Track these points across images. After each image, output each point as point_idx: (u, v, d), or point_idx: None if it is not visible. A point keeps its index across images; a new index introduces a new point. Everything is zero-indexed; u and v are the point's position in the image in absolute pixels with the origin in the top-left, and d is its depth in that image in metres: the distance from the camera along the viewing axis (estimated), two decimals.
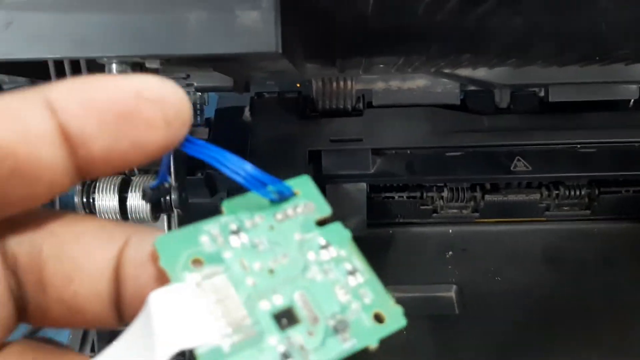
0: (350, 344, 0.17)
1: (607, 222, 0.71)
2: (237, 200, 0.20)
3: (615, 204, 0.69)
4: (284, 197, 0.20)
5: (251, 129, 0.71)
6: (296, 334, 0.17)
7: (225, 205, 0.20)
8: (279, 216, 0.19)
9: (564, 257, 0.68)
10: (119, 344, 0.17)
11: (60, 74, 0.44)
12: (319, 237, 0.19)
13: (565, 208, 0.71)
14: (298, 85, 0.79)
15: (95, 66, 0.44)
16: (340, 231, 0.20)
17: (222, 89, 0.69)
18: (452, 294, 0.66)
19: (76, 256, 0.18)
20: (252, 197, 0.20)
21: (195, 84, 0.71)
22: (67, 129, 0.16)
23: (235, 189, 0.70)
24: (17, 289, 0.18)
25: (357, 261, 0.19)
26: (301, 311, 0.17)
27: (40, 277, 0.18)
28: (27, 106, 0.16)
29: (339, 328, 0.17)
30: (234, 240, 0.18)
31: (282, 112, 0.72)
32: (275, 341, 0.17)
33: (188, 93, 0.78)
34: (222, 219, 0.19)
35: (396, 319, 0.18)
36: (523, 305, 0.64)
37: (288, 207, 0.20)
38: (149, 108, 0.17)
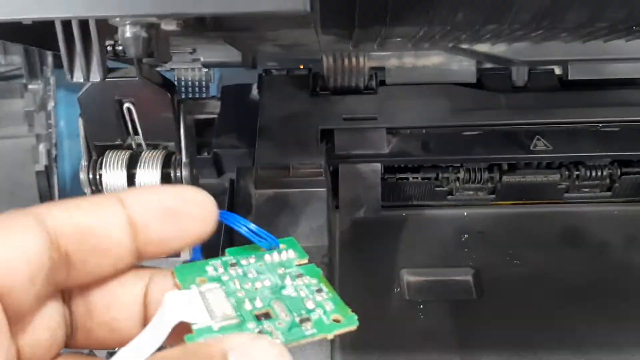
0: (310, 332, 0.23)
1: (628, 205, 0.69)
2: (238, 249, 0.27)
3: (638, 185, 0.67)
4: (273, 247, 0.27)
5: (260, 106, 0.68)
6: (269, 323, 0.24)
7: (228, 250, 0.27)
8: (267, 257, 0.27)
9: (584, 240, 0.66)
10: (141, 336, 0.23)
11: (69, 39, 0.41)
12: (296, 270, 0.26)
13: (586, 190, 0.68)
14: (301, 67, 0.76)
15: (106, 30, 0.41)
16: (313, 268, 0.27)
17: (230, 64, 0.67)
18: (469, 277, 0.63)
19: (115, 290, 0.25)
20: (250, 247, 0.27)
21: (202, 59, 0.68)
22: (133, 219, 0.24)
23: (243, 169, 0.67)
24: (68, 317, 0.24)
25: (325, 286, 0.26)
26: (275, 312, 0.24)
27: (88, 307, 0.25)
28: (106, 201, 0.24)
29: (303, 321, 0.24)
30: (231, 270, 0.26)
31: (292, 89, 0.70)
32: (252, 326, 0.23)
33: (193, 69, 0.75)
34: (225, 258, 0.27)
35: (351, 321, 0.24)
36: (542, 289, 0.62)
37: (275, 253, 0.27)
38: (191, 208, 0.24)
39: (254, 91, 0.71)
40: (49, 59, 1.02)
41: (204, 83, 0.76)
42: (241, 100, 0.71)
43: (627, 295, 0.61)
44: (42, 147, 0.95)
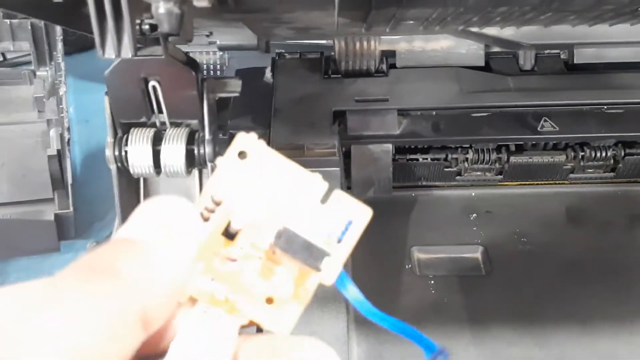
0: None
1: (631, 185, 0.71)
2: None
3: None
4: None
5: (274, 89, 0.70)
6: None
7: None
8: None
9: (588, 219, 0.68)
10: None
11: (100, 16, 0.42)
12: None
13: (590, 170, 0.70)
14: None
15: (136, 7, 0.43)
16: None
17: (245, 47, 0.68)
18: (478, 254, 0.65)
19: None
20: None
21: (218, 42, 0.69)
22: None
23: None
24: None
25: None
26: None
27: None
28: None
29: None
30: None
31: (305, 72, 0.71)
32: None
33: (208, 53, 0.77)
34: None
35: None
36: (549, 266, 0.64)
37: None
38: None
39: (267, 74, 0.73)
40: (59, 45, 1.03)
41: (218, 66, 0.77)
42: (255, 83, 0.72)
43: (629, 271, 0.63)
44: (53, 132, 0.96)
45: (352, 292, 0.23)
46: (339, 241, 0.22)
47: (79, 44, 1.19)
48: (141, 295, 0.19)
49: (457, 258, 0.65)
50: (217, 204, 0.23)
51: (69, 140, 0.97)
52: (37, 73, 1.04)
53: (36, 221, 0.91)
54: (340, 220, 0.23)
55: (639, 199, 0.70)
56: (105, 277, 0.19)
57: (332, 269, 0.22)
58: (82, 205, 0.97)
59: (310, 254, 0.22)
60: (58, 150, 0.93)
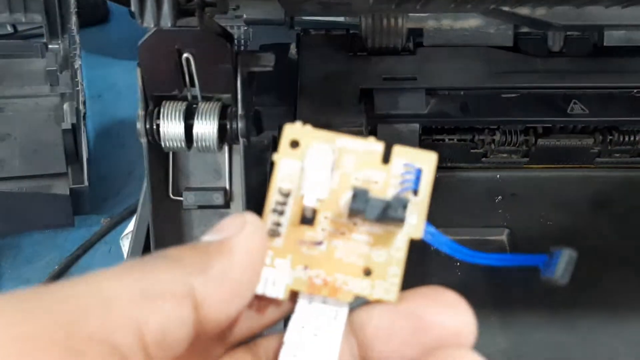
0: None
1: None
2: None
3: None
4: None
5: (299, 66, 0.69)
6: None
7: None
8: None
9: (616, 203, 0.68)
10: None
11: None
12: None
13: (617, 155, 0.70)
14: None
15: None
16: None
17: (272, 22, 0.67)
18: (503, 237, 0.65)
19: None
20: None
21: (245, 16, 0.68)
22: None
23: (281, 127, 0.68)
24: None
25: None
26: None
27: None
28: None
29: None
30: None
31: (331, 49, 0.70)
32: None
33: (232, 27, 0.75)
34: None
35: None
36: (575, 249, 0.64)
37: None
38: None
39: (292, 50, 0.72)
40: (73, 18, 1.02)
41: (242, 41, 0.76)
42: (279, 59, 0.71)
43: None
44: (67, 106, 0.95)
45: (443, 241, 0.23)
46: (415, 192, 0.22)
47: (88, 17, 1.18)
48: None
49: (482, 240, 0.65)
50: (287, 195, 0.23)
51: (84, 114, 0.96)
52: (50, 46, 1.02)
53: (51, 195, 0.90)
54: (408, 172, 0.23)
55: None
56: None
57: (417, 221, 0.22)
58: (95, 181, 0.97)
59: (391, 209, 0.22)
60: (73, 124, 0.92)
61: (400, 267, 0.23)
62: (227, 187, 0.55)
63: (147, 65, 0.50)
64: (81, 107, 0.95)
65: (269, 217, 0.23)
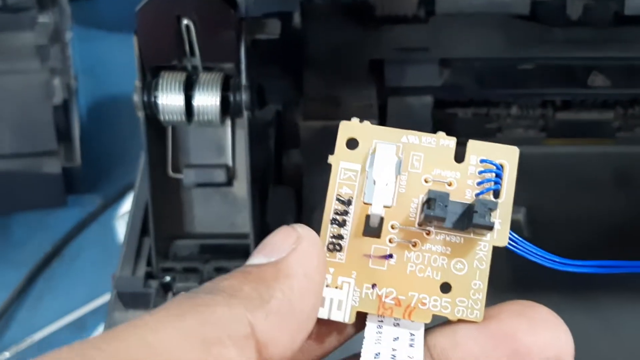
0: None
1: None
2: None
3: None
4: None
5: (304, 36, 0.65)
6: None
7: None
8: None
9: (637, 181, 0.64)
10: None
11: None
12: None
13: (639, 129, 0.66)
14: None
15: None
16: None
17: None
18: (520, 216, 0.62)
19: None
20: None
21: None
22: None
23: (290, 100, 0.64)
24: None
25: None
26: None
27: None
28: None
29: None
30: None
31: (337, 18, 0.66)
32: None
33: None
34: None
35: None
36: (595, 228, 0.61)
37: None
38: None
39: (297, 19, 0.68)
40: None
41: (245, 8, 0.72)
42: (282, 29, 0.67)
43: None
44: (57, 81, 0.91)
45: (530, 248, 0.20)
46: (495, 193, 0.19)
47: None
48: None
49: None
50: (348, 203, 0.21)
51: (77, 89, 0.92)
52: (39, 19, 0.98)
53: (42, 174, 0.86)
54: (487, 169, 0.19)
55: None
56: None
57: (502, 226, 0.19)
58: (89, 160, 0.93)
59: (476, 215, 0.18)
60: (64, 100, 0.89)
61: (484, 281, 0.21)
62: (230, 164, 0.51)
63: (145, 34, 0.47)
64: (72, 82, 0.91)
65: (328, 229, 0.21)
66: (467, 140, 0.22)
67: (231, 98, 0.48)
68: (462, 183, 0.21)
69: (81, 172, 0.88)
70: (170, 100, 0.48)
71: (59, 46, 0.93)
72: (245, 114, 0.49)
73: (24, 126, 0.91)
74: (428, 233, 0.21)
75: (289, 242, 0.19)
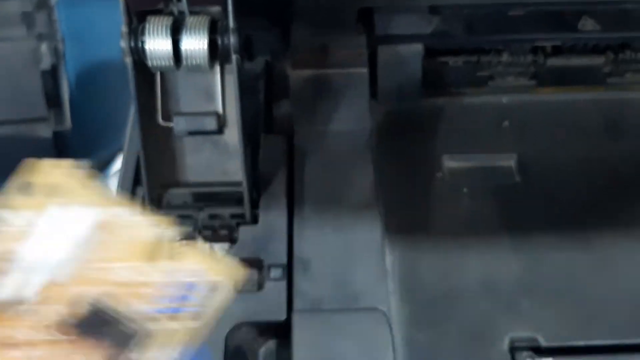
0: None
1: None
2: None
3: None
4: None
5: None
6: None
7: None
8: None
9: (628, 126, 0.64)
10: None
11: None
12: None
13: (629, 75, 0.66)
14: None
15: None
16: None
17: None
18: (512, 163, 0.61)
19: None
20: None
21: None
22: None
23: (278, 51, 0.64)
24: None
25: None
26: None
27: None
28: None
29: None
30: None
31: None
32: None
33: None
34: None
35: None
36: (587, 172, 0.61)
37: None
38: None
39: None
40: None
41: None
42: None
43: None
44: (44, 47, 0.90)
45: None
46: (174, 314, 0.14)
47: None
48: None
49: (489, 167, 0.61)
50: None
51: (64, 53, 0.91)
52: None
53: (32, 139, 0.86)
54: (187, 285, 0.15)
55: None
56: None
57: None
58: (79, 125, 0.92)
59: (117, 334, 0.14)
60: (52, 65, 0.88)
61: None
62: (220, 111, 0.51)
63: None
64: (60, 46, 0.90)
65: None
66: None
67: (219, 41, 0.48)
68: (137, 288, 0.16)
69: (72, 137, 0.87)
70: (157, 44, 0.47)
71: (45, 12, 0.92)
72: (234, 57, 0.48)
73: (13, 93, 0.90)
74: (72, 334, 0.16)
75: None
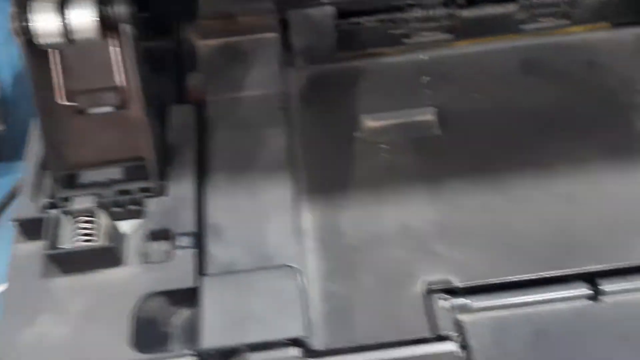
0: None
1: (587, 32, 0.67)
2: None
3: (597, 8, 0.66)
4: None
5: None
6: None
7: None
8: None
9: (545, 70, 0.65)
10: None
11: None
12: None
13: (542, 20, 0.67)
14: None
15: None
16: None
17: None
18: (431, 116, 0.61)
19: None
20: None
21: None
22: None
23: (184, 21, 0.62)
24: None
25: None
26: None
27: None
28: None
29: None
30: None
31: None
32: None
33: None
34: None
35: None
36: (506, 118, 0.61)
37: None
38: None
39: None
40: None
41: None
42: None
43: (588, 116, 0.61)
44: None
45: None
46: None
47: None
48: None
49: (411, 122, 0.62)
50: None
51: None
52: None
53: None
54: None
55: (596, 45, 0.67)
56: None
57: None
58: (14, 125, 0.91)
59: None
60: None
61: None
62: (120, 85, 0.51)
63: None
64: None
65: None
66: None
67: (108, 12, 0.47)
68: None
69: (5, 137, 0.86)
70: (46, 22, 0.46)
71: None
72: (126, 27, 0.48)
73: None
74: None
75: None
